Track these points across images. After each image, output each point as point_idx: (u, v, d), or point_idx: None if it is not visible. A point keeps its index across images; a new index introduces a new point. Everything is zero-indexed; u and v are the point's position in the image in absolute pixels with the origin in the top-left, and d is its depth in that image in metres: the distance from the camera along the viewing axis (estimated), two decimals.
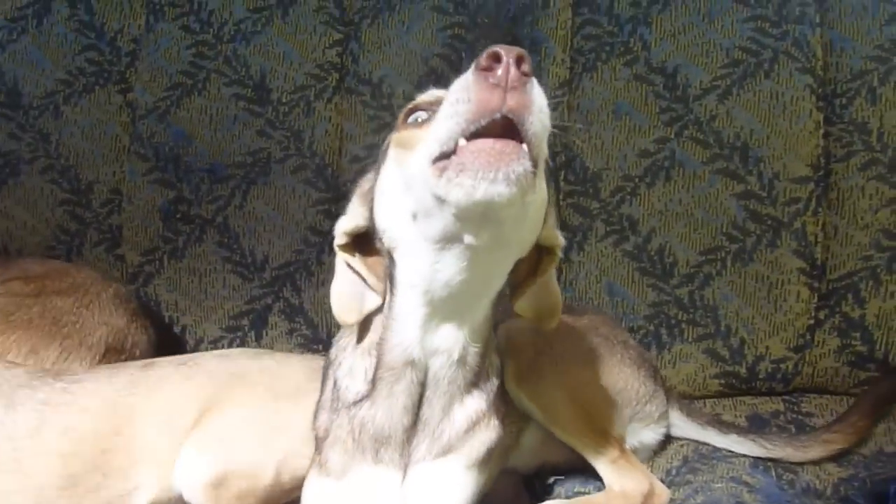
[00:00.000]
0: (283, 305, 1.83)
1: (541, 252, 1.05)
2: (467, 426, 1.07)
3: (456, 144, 0.76)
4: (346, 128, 1.84)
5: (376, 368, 1.03)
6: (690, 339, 1.71)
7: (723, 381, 1.71)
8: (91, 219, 1.89)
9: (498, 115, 0.74)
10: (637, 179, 1.73)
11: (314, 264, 1.82)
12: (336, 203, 1.83)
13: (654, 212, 1.72)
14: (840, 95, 1.67)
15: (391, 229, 0.93)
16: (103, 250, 1.89)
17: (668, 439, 1.57)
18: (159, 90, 1.89)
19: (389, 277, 0.99)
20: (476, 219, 0.80)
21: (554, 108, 1.73)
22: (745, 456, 1.48)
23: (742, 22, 1.70)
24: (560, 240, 1.03)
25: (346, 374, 1.08)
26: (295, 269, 1.82)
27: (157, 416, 1.28)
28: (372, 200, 0.97)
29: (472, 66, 0.76)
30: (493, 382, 1.14)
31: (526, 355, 1.31)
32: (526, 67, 0.75)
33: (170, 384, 1.33)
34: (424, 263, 0.91)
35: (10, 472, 1.19)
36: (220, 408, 1.28)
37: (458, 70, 1.80)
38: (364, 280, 1.03)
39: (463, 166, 0.75)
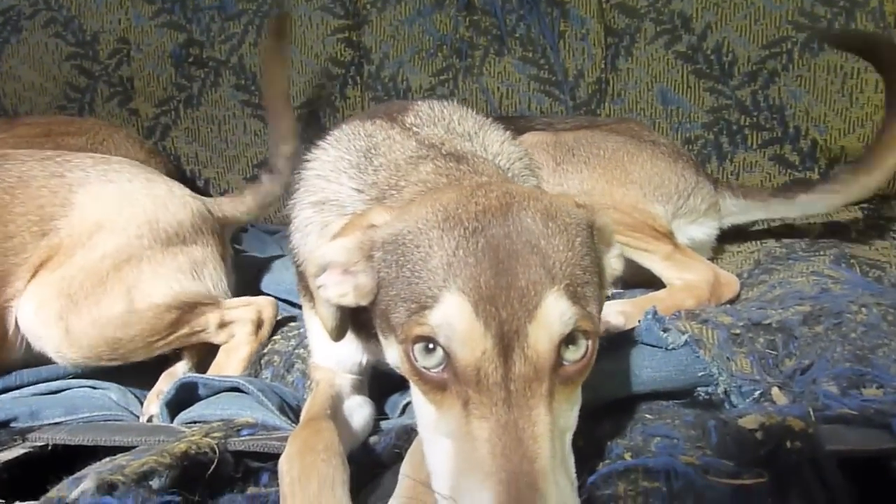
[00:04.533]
0: (306, 147, 1.70)
1: None
2: None
3: None
4: None
5: None
6: (755, 146, 1.55)
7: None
8: (100, 72, 1.78)
9: None
10: None
11: (338, 98, 1.69)
12: (356, 29, 1.68)
13: (710, 5, 1.54)
14: None
15: None
16: (116, 104, 1.78)
17: (734, 242, 1.44)
18: None
19: None
20: None
21: None
22: (822, 255, 1.34)
23: None
24: (617, 271, 0.82)
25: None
26: (318, 106, 1.69)
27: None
28: None
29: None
30: None
31: (547, 169, 1.23)
32: None
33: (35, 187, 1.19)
34: None
35: None
36: (69, 255, 1.14)
37: None
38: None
39: None
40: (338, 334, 0.85)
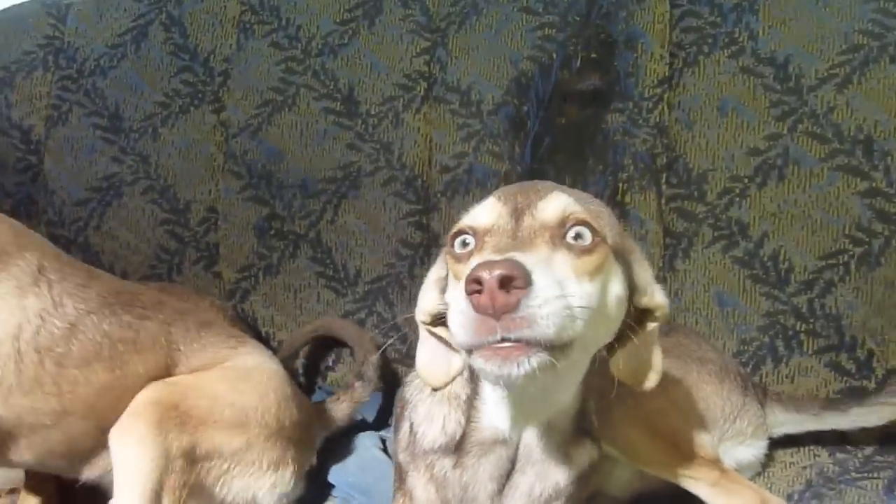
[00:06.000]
0: (376, 320, 1.81)
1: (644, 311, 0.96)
2: (575, 479, 1.02)
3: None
4: (435, 138, 1.79)
5: (463, 436, 0.99)
6: (810, 352, 1.57)
7: (848, 395, 1.57)
8: (189, 237, 1.93)
9: (498, 337, 0.72)
10: (746, 180, 1.60)
11: (406, 278, 1.79)
12: (426, 214, 1.79)
13: (767, 214, 1.59)
14: None
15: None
16: (201, 268, 1.92)
17: (786, 448, 1.46)
18: (251, 108, 1.90)
19: None
20: (515, 385, 0.81)
21: (653, 107, 1.68)
22: (876, 479, 1.35)
23: (862, 2, 1.55)
24: (660, 299, 0.95)
25: (423, 420, 1.04)
26: (387, 284, 1.80)
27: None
28: (444, 290, 0.95)
29: (463, 284, 0.73)
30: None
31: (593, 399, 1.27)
32: (518, 283, 0.70)
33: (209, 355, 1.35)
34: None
35: (49, 395, 1.18)
36: None
37: (548, 74, 1.77)
38: (450, 345, 0.97)
39: (482, 361, 0.74)
40: (440, 378, 0.97)
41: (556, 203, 0.84)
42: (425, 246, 1.79)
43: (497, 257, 0.74)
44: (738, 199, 1.61)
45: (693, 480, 1.28)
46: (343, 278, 1.83)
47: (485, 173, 1.75)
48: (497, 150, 1.75)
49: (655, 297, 0.93)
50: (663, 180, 1.66)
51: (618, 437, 1.25)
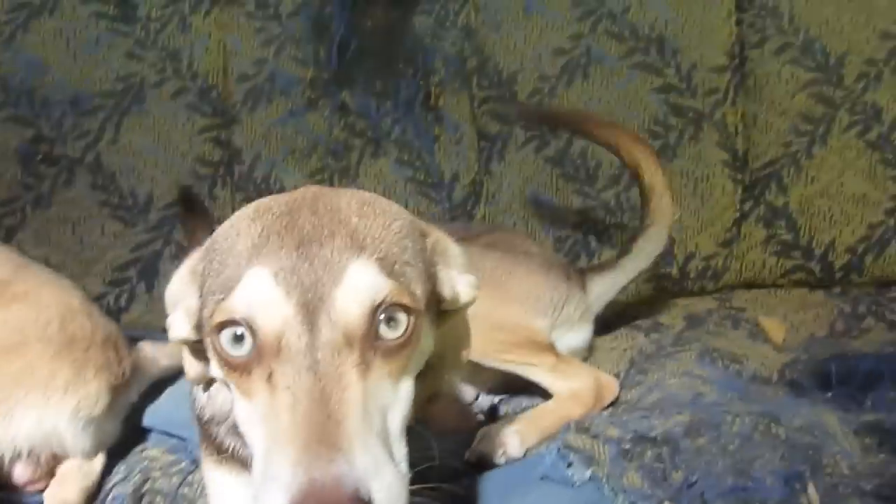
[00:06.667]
0: (174, 250, 1.63)
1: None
2: None
3: None
4: (230, 43, 1.64)
5: None
6: (620, 244, 1.64)
7: (655, 284, 1.67)
8: None
9: None
10: (554, 79, 1.63)
11: (207, 199, 1.62)
12: (226, 128, 1.64)
13: None
14: None
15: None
16: None
17: (606, 334, 1.52)
18: (2, 13, 1.62)
19: None
20: None
21: (459, 8, 1.65)
22: (688, 351, 1.43)
23: None
24: (465, 298, 0.82)
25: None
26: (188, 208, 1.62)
27: None
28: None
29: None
30: None
31: None
32: None
33: None
34: None
35: None
36: None
37: None
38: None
39: None
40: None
41: (357, 294, 0.66)
42: (226, 163, 1.64)
43: (319, 474, 0.57)
44: (547, 98, 1.63)
45: (531, 367, 1.29)
46: (132, 206, 1.63)
47: (288, 80, 1.63)
48: (300, 56, 1.64)
49: (461, 298, 0.81)
50: (474, 83, 1.64)
51: (452, 333, 1.22)
